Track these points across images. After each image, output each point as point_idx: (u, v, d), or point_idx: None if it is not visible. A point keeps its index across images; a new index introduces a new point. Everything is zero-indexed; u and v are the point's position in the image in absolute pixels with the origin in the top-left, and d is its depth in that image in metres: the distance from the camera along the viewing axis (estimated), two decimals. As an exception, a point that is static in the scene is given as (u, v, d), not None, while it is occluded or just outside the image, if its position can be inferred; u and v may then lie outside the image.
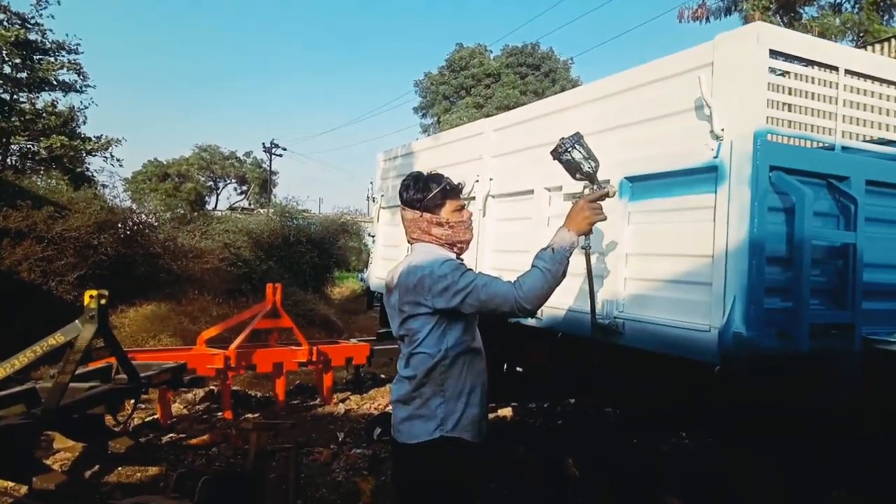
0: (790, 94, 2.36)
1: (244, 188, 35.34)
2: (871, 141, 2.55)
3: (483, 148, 3.79)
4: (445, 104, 27.72)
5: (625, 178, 2.72)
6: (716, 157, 2.27)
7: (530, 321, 3.20)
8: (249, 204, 32.78)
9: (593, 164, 2.41)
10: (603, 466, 4.65)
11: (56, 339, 3.59)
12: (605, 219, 2.26)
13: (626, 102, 2.77)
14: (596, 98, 2.98)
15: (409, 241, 2.38)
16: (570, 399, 5.40)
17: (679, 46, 2.55)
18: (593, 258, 2.88)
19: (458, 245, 2.33)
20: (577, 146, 2.39)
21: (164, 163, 32.23)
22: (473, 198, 3.82)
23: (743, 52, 2.24)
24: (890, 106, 2.53)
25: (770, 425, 2.52)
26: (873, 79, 2.48)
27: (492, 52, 29.26)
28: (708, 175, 2.32)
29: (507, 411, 5.83)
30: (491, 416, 5.93)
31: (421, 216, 2.29)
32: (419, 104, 29.69)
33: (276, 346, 6.24)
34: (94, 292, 3.73)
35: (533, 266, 2.12)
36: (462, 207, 2.36)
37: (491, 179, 3.69)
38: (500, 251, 3.66)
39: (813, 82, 2.41)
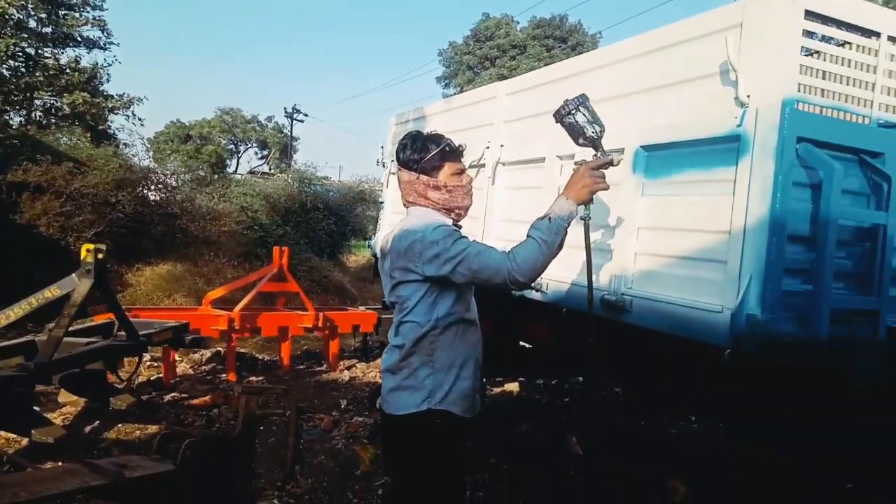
0: (825, 60, 2.17)
1: (265, 153, 35.35)
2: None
3: (495, 113, 3.63)
4: (469, 74, 27.26)
5: (641, 146, 2.56)
6: (739, 125, 2.11)
7: (535, 294, 3.08)
8: (269, 168, 32.73)
9: (598, 128, 2.24)
10: (608, 446, 4.56)
11: (52, 291, 3.56)
12: (607, 188, 2.10)
13: (647, 66, 2.59)
14: (615, 61, 2.80)
15: (404, 205, 2.26)
16: (578, 377, 5.29)
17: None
18: (601, 232, 2.75)
19: (456, 211, 2.21)
20: (582, 108, 2.22)
21: (186, 124, 32.28)
22: (483, 165, 3.68)
23: (775, 13, 2.06)
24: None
25: (780, 416, 2.38)
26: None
27: (518, 23, 28.61)
28: (730, 145, 2.15)
29: (513, 386, 5.75)
30: (496, 390, 5.86)
31: (417, 178, 2.16)
32: (442, 74, 29.25)
33: (283, 310, 6.20)
34: (91, 246, 3.66)
35: (528, 236, 1.98)
36: (462, 171, 2.22)
37: (502, 146, 3.54)
38: (508, 221, 3.53)
39: (851, 48, 2.21)
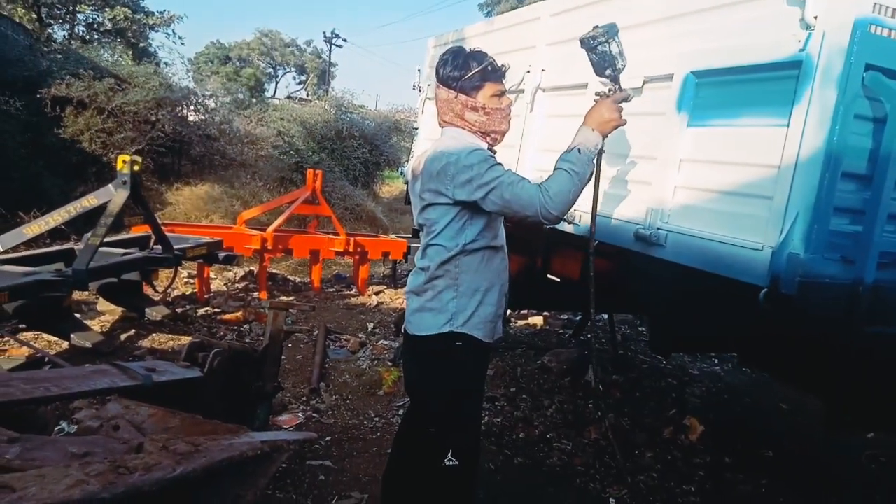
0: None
1: (303, 78, 35.00)
2: None
3: (538, 35, 3.44)
4: (513, 2, 26.14)
5: (691, 72, 2.38)
6: (802, 49, 1.93)
7: (567, 227, 3.00)
8: (307, 94, 32.46)
9: (624, 62, 2.23)
10: (627, 381, 4.57)
11: (89, 200, 3.62)
12: (625, 123, 2.10)
13: (705, -17, 2.38)
14: (671, -22, 2.58)
15: (439, 124, 2.19)
16: (604, 314, 5.25)
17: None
18: (638, 163, 2.64)
19: (493, 135, 2.13)
20: (614, 39, 2.17)
21: (226, 45, 32.05)
22: (522, 90, 3.52)
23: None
24: None
25: (812, 360, 2.31)
26: None
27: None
28: (790, 72, 1.98)
29: (538, 320, 5.75)
30: (521, 322, 5.88)
31: (456, 97, 2.09)
32: (485, 0, 28.13)
33: (315, 233, 6.25)
34: (127, 157, 3.70)
35: (558, 168, 1.93)
36: (503, 93, 2.13)
37: (543, 71, 3.37)
38: (546, 150, 3.40)
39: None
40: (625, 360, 4.96)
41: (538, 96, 3.42)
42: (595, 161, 2.14)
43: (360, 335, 4.97)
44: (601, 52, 2.22)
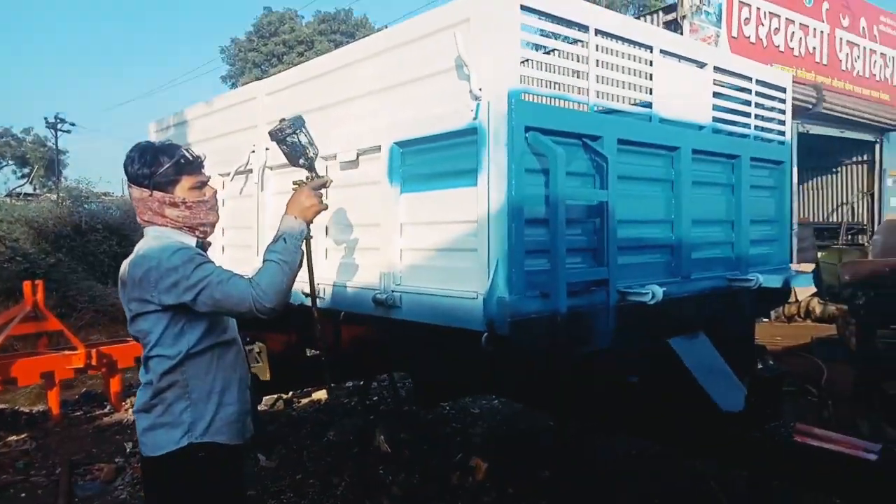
0: (545, 53, 2.34)
1: (26, 170, 30.64)
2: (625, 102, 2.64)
3: (257, 114, 3.44)
4: (256, 72, 26.18)
5: (395, 142, 2.56)
6: (475, 118, 2.19)
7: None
8: (34, 189, 28.48)
9: (316, 150, 2.39)
10: (416, 437, 4.64)
11: None
12: (326, 208, 2.22)
13: (395, 61, 2.59)
14: (367, 56, 2.77)
15: (139, 223, 2.03)
16: (382, 375, 5.31)
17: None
18: (369, 231, 2.74)
19: (201, 229, 2.04)
20: (302, 130, 2.32)
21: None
22: (251, 170, 3.47)
23: (495, 7, 2.16)
24: (637, 67, 2.62)
25: (544, 383, 2.57)
26: (622, 39, 2.55)
27: (303, 17, 28.11)
28: (469, 137, 2.23)
29: (320, 394, 5.61)
30: (304, 400, 5.69)
31: (151, 195, 1.96)
32: (227, 73, 27.75)
33: (47, 352, 5.38)
34: None
35: (266, 261, 1.93)
36: (203, 184, 2.05)
37: (267, 149, 3.36)
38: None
39: (566, 41, 2.41)
40: (410, 416, 5.03)
41: (266, 174, 3.39)
42: (304, 247, 2.16)
43: (116, 460, 4.34)
44: (290, 143, 2.34)
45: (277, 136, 2.33)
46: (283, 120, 2.32)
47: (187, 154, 1.99)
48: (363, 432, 4.52)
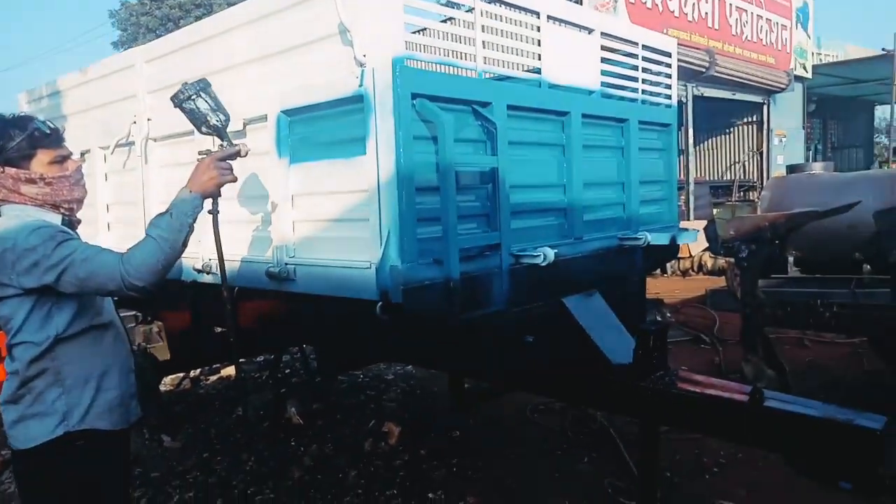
0: (442, 21, 2.32)
1: None
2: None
3: (137, 83, 3.22)
4: (151, 38, 24.46)
5: (282, 111, 2.48)
6: (360, 85, 2.14)
7: (206, 277, 2.88)
8: None
9: (222, 116, 2.21)
10: (329, 407, 4.64)
11: None
12: (234, 179, 2.07)
13: (278, 26, 2.48)
14: (249, 20, 2.63)
15: (-5, 203, 1.87)
16: (287, 348, 5.24)
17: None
18: (259, 204, 2.65)
19: (65, 206, 1.90)
20: (203, 94, 2.16)
21: None
22: (133, 143, 3.27)
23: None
24: (525, 33, 2.64)
25: (442, 347, 2.62)
26: (509, 5, 2.55)
27: (202, -23, 26.36)
28: (356, 105, 2.19)
29: (230, 371, 5.48)
30: (213, 378, 5.54)
31: (3, 171, 1.80)
32: (119, 38, 25.81)
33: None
34: None
35: (147, 235, 1.80)
36: (65, 158, 1.91)
37: (149, 120, 3.17)
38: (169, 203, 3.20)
39: (453, 7, 2.39)
40: (322, 386, 5.01)
41: (150, 146, 3.20)
42: (214, 221, 2.12)
43: (3, 452, 4.08)
44: (188, 108, 2.19)
45: (175, 100, 2.16)
46: (185, 83, 2.15)
47: (42, 126, 1.84)
48: (274, 406, 4.47)
